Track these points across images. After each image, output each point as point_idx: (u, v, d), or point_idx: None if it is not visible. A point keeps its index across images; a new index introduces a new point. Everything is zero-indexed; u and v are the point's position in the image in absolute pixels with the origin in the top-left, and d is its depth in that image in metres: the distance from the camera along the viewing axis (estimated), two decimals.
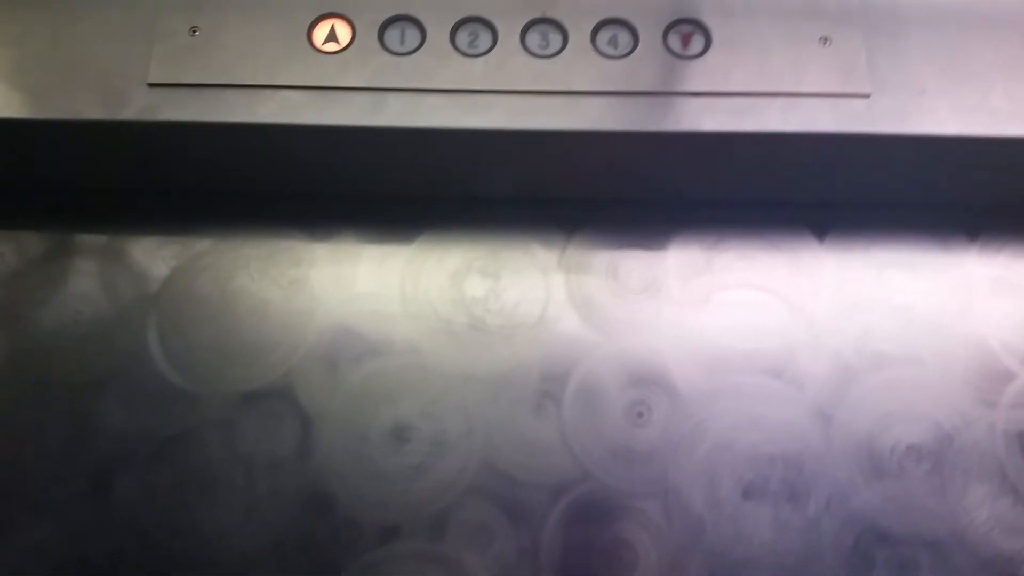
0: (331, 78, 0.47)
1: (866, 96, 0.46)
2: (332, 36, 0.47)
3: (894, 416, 0.50)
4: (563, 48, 0.47)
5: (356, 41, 0.47)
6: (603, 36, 0.47)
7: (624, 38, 0.47)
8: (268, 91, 0.46)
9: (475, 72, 0.47)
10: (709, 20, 0.47)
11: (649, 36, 0.47)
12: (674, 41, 0.47)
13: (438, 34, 0.47)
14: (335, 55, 0.47)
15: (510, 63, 0.47)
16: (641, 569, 0.48)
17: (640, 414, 0.50)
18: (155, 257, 0.52)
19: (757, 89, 0.46)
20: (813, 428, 0.50)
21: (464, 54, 0.47)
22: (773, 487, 0.49)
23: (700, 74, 0.47)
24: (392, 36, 0.47)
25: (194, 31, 0.47)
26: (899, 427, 0.50)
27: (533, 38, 0.47)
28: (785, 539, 0.48)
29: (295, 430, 0.49)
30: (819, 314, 0.51)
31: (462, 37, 0.47)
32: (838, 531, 0.48)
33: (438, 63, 0.47)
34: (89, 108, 0.46)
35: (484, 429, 0.49)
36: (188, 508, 0.48)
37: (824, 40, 0.47)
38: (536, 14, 0.47)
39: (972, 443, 0.50)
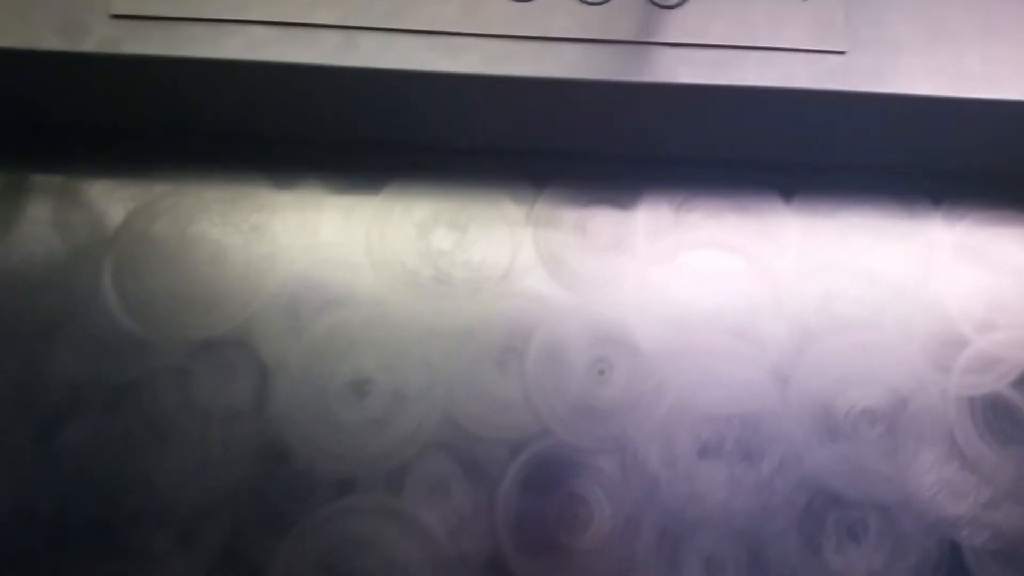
0: (301, 14, 0.46)
1: (842, 53, 0.47)
2: None
3: (851, 379, 0.51)
4: None
5: None
6: None
7: None
8: (235, 26, 0.45)
9: (450, 13, 0.46)
10: None
11: None
12: None
13: None
14: None
15: (487, 5, 0.46)
16: (596, 526, 0.48)
17: (602, 371, 0.50)
18: (112, 198, 0.51)
19: (734, 42, 0.46)
20: (771, 388, 0.50)
21: None
22: (728, 446, 0.49)
23: (678, 24, 0.46)
24: None
25: None
26: (855, 390, 0.50)
27: None
28: (738, 498, 0.49)
29: (252, 380, 0.49)
30: (782, 275, 0.52)
31: None
32: (790, 492, 0.49)
33: (412, 2, 0.46)
34: (47, 38, 0.45)
35: (446, 384, 0.49)
36: (139, 458, 0.47)
37: None
38: None
39: (925, 408, 0.50)
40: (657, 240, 0.52)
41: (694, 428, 0.49)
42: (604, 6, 0.46)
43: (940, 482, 0.49)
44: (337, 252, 0.51)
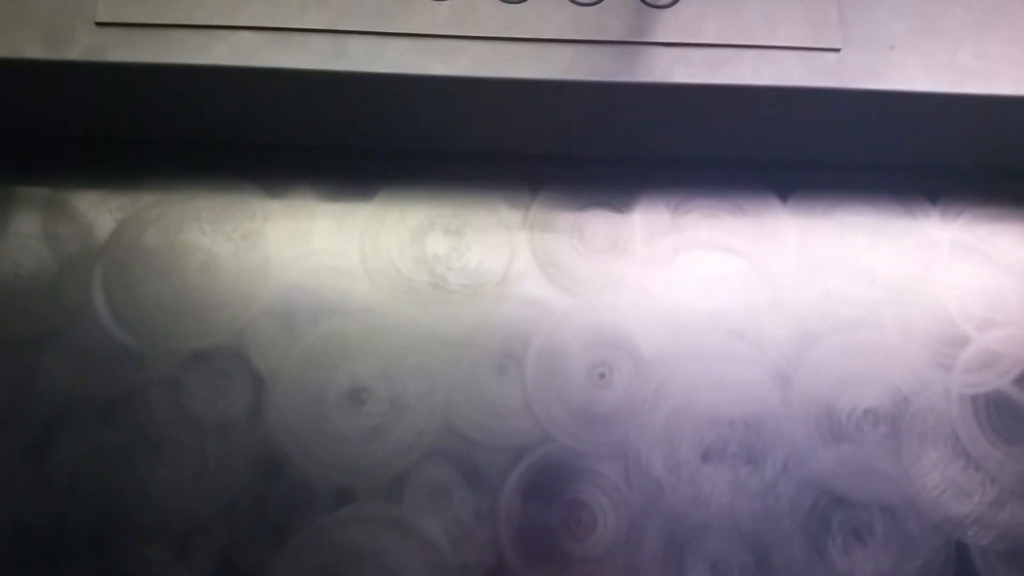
0: (290, 19, 0.45)
1: (837, 51, 0.46)
2: None
3: (853, 379, 0.50)
4: None
5: None
6: None
7: None
8: (223, 32, 0.45)
9: (441, 16, 0.45)
10: None
11: None
12: None
13: None
14: None
15: (478, 7, 0.45)
16: (599, 532, 0.47)
17: (602, 375, 0.49)
18: (101, 209, 0.50)
19: (729, 41, 0.46)
20: (773, 390, 0.50)
21: None
22: (732, 449, 0.49)
23: (671, 24, 0.46)
24: None
25: None
26: (857, 390, 0.50)
27: None
28: (743, 502, 0.48)
29: (247, 390, 0.48)
30: (781, 276, 0.51)
31: None
32: (795, 494, 0.48)
33: (402, 5, 0.45)
34: (31, 47, 0.44)
35: (445, 390, 0.49)
36: (133, 470, 0.47)
37: None
38: None
39: (928, 407, 0.50)
40: (655, 242, 0.51)
41: (696, 432, 0.49)
42: (596, 7, 0.46)
43: (945, 481, 0.49)
44: (331, 259, 0.50)
